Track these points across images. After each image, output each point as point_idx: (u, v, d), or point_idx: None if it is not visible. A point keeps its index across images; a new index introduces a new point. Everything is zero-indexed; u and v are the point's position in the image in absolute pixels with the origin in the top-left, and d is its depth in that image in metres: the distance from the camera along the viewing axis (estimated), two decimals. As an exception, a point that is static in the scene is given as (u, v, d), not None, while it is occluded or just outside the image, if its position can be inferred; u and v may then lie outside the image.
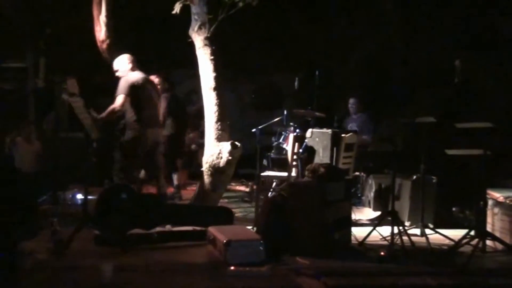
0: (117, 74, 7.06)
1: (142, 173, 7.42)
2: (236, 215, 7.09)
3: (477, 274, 5.20)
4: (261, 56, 11.40)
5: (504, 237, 5.93)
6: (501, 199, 6.14)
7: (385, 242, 5.96)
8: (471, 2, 9.41)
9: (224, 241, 5.16)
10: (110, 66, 9.12)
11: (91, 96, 6.75)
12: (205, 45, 6.95)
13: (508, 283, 5.07)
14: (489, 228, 6.15)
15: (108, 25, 8.98)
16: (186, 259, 5.42)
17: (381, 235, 6.12)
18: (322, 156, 7.20)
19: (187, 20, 7.08)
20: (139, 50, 7.39)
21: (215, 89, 6.94)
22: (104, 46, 9.10)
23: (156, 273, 4.94)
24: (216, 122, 6.94)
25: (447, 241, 6.10)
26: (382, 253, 5.59)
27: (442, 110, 7.82)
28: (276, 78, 12.14)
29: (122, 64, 7.06)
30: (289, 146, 7.53)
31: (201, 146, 8.96)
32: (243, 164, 7.63)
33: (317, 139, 7.32)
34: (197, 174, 7.49)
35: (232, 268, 4.93)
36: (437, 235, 6.25)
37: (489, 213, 6.22)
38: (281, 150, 7.89)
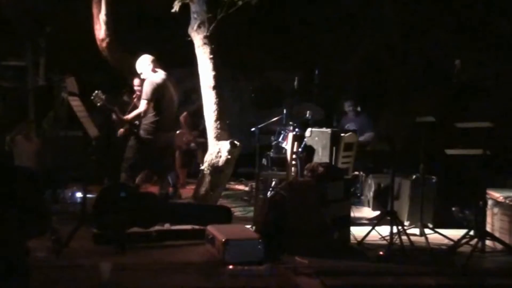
0: (141, 76, 7.05)
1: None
2: (235, 214, 7.10)
3: (476, 274, 5.21)
4: (260, 55, 11.39)
5: (503, 237, 5.92)
6: (500, 199, 6.14)
7: (384, 242, 5.96)
8: (471, 1, 9.40)
9: (223, 240, 5.15)
10: (109, 64, 9.15)
11: (91, 94, 6.74)
12: (205, 43, 6.95)
13: (508, 283, 5.07)
14: (488, 228, 6.15)
15: (108, 23, 8.99)
16: (185, 258, 5.42)
17: (380, 234, 6.12)
18: (321, 156, 7.20)
19: (187, 19, 7.07)
20: (139, 49, 7.36)
21: (214, 88, 6.94)
22: (104, 44, 9.10)
23: (155, 271, 4.93)
24: (215, 121, 6.94)
25: (446, 241, 6.10)
26: (381, 253, 5.59)
27: (442, 109, 7.82)
28: (275, 77, 12.12)
29: (144, 66, 7.04)
30: (288, 145, 7.51)
31: (200, 145, 8.96)
32: (242, 163, 7.64)
33: (316, 138, 7.31)
34: (197, 173, 7.48)
35: (230, 267, 4.93)
36: (436, 235, 6.25)
37: (488, 213, 6.22)
38: (280, 149, 7.87)
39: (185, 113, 9.51)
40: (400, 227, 5.89)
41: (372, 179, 7.93)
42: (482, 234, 5.78)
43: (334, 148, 7.19)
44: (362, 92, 10.65)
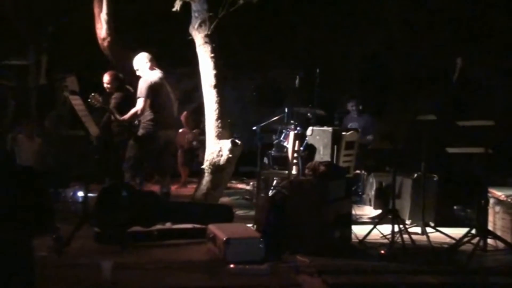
0: (137, 73, 7.02)
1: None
2: (237, 213, 7.09)
3: (478, 272, 5.20)
4: (261, 53, 11.38)
5: (505, 236, 5.92)
6: (502, 197, 6.13)
7: (386, 241, 5.95)
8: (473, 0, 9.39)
9: (224, 239, 5.15)
10: (111, 63, 9.15)
11: (92, 93, 6.75)
12: (206, 42, 6.95)
13: (509, 282, 5.06)
14: (490, 226, 6.14)
15: (109, 23, 8.99)
16: (186, 256, 5.42)
17: (382, 233, 6.11)
18: (322, 154, 7.19)
19: (188, 18, 7.07)
20: (140, 48, 7.36)
21: (215, 86, 6.94)
22: (105, 44, 9.11)
23: (156, 270, 4.93)
24: (217, 119, 6.94)
25: (448, 240, 6.08)
26: (382, 252, 5.59)
27: (443, 108, 7.81)
28: (277, 75, 12.12)
29: (141, 63, 6.98)
30: (289, 144, 7.52)
31: (202, 143, 8.95)
32: (244, 162, 7.64)
33: (317, 137, 7.31)
34: (198, 172, 7.49)
35: (231, 266, 4.92)
36: (438, 233, 6.23)
37: (490, 211, 6.21)
38: (281, 148, 7.88)
39: (185, 112, 9.51)
40: (401, 226, 5.88)
41: (373, 178, 7.93)
42: (484, 232, 5.77)
43: (335, 147, 7.19)
44: (363, 90, 10.64)
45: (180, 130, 8.99)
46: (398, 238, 5.78)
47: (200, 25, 6.94)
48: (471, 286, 4.95)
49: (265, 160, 7.92)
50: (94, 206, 5.77)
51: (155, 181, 8.52)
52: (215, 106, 6.93)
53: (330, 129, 7.32)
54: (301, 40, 11.39)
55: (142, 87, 6.80)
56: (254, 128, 7.30)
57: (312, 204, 5.66)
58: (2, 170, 2.25)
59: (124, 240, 5.63)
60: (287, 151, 7.63)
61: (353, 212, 6.38)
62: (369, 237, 6.02)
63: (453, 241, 5.93)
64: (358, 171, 8.48)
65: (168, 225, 6.13)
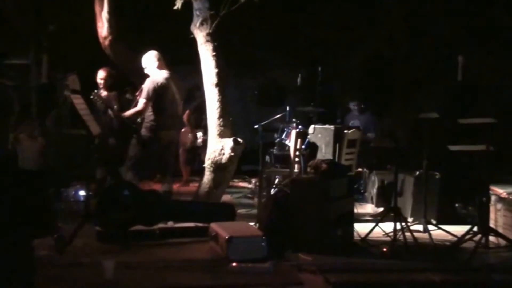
0: (145, 71, 7.03)
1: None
2: (239, 211, 7.09)
3: (480, 270, 5.20)
4: (263, 52, 11.38)
5: (507, 233, 5.91)
6: (504, 195, 6.13)
7: (388, 238, 5.96)
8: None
9: (226, 237, 5.16)
10: (112, 62, 9.15)
11: (91, 93, 6.76)
12: (207, 41, 6.94)
13: (511, 279, 5.06)
14: (492, 224, 6.14)
15: (110, 21, 8.98)
16: (188, 255, 5.42)
17: (384, 231, 6.11)
18: (324, 152, 7.19)
19: (189, 16, 7.06)
20: (141, 46, 7.36)
21: (217, 85, 6.94)
22: (107, 42, 9.10)
23: (158, 269, 4.93)
24: (218, 118, 6.93)
25: (450, 237, 6.09)
26: (384, 249, 5.59)
27: (445, 106, 7.80)
28: (278, 74, 12.11)
29: (149, 62, 7.00)
30: (291, 142, 7.52)
31: (205, 142, 8.93)
32: (246, 161, 7.63)
33: (319, 135, 7.30)
34: (200, 171, 7.49)
35: (234, 264, 4.93)
36: (440, 231, 6.24)
37: (492, 209, 6.21)
38: (283, 147, 7.88)
39: (187, 111, 9.51)
40: (403, 224, 5.88)
41: (375, 176, 7.92)
42: (486, 230, 5.77)
43: (337, 145, 7.18)
44: (365, 89, 10.63)
45: (183, 130, 8.99)
46: (400, 236, 5.79)
47: (201, 24, 6.94)
48: (473, 283, 4.95)
49: (267, 158, 7.92)
50: (96, 205, 5.77)
51: (156, 180, 8.53)
52: (217, 104, 6.93)
53: (332, 127, 7.32)
54: (303, 39, 11.38)
55: (146, 88, 6.81)
56: (256, 126, 7.30)
57: (314, 202, 5.66)
58: (3, 171, 2.24)
59: (126, 239, 5.63)
60: (289, 150, 7.63)
61: (355, 210, 6.37)
62: (371, 235, 6.03)
63: (455, 239, 5.94)
64: (360, 169, 8.48)
65: (170, 224, 6.13)
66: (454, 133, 6.87)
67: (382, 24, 10.57)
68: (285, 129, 7.87)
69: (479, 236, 5.66)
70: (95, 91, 6.67)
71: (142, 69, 7.09)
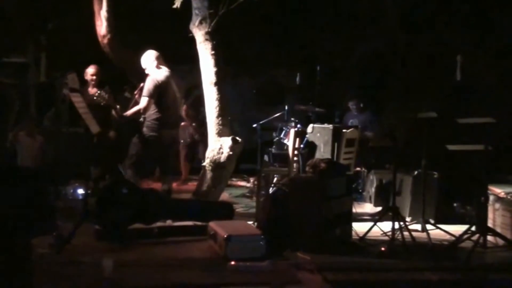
0: (146, 72, 7.02)
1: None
2: (237, 210, 7.10)
3: (478, 269, 5.21)
4: (262, 51, 11.38)
5: (505, 233, 5.92)
6: (502, 194, 6.14)
7: (386, 238, 5.96)
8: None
9: (225, 236, 5.16)
10: (110, 61, 9.15)
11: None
12: (206, 40, 6.94)
13: (509, 278, 5.08)
14: (490, 223, 6.15)
15: (109, 20, 8.98)
16: (187, 254, 5.42)
17: (382, 230, 6.12)
18: (323, 152, 7.20)
19: (188, 15, 7.06)
20: (140, 45, 7.36)
21: (216, 84, 6.94)
22: (105, 41, 9.09)
23: (157, 268, 4.93)
24: (217, 117, 6.93)
25: (448, 237, 6.10)
26: (383, 249, 5.60)
27: (444, 105, 7.81)
28: (277, 73, 12.12)
29: (149, 62, 6.98)
30: (290, 141, 7.52)
31: (203, 135, 8.79)
32: (244, 160, 7.63)
33: (318, 134, 7.31)
34: (199, 169, 7.49)
35: (232, 263, 4.93)
36: (438, 230, 6.25)
37: (490, 208, 6.22)
38: (282, 146, 7.88)
39: (184, 106, 9.49)
40: (402, 223, 5.88)
41: (374, 175, 7.93)
42: (484, 229, 5.78)
43: (336, 144, 7.19)
44: (364, 88, 10.63)
45: (182, 124, 8.99)
46: (398, 235, 5.79)
47: (200, 23, 6.94)
48: (471, 282, 4.96)
49: (266, 157, 7.92)
50: (95, 203, 5.77)
51: (156, 178, 8.52)
52: (216, 103, 6.93)
53: (330, 126, 7.32)
54: (302, 38, 11.38)
55: (148, 86, 6.81)
56: (254, 125, 7.30)
57: (313, 202, 5.66)
58: (3, 169, 2.25)
59: (124, 238, 5.63)
60: (287, 149, 7.63)
61: (354, 209, 6.37)
62: (369, 234, 6.03)
63: (453, 238, 5.94)
64: (358, 169, 8.49)
65: (168, 222, 6.13)
66: (452, 133, 6.87)
67: (380, 23, 10.57)
68: (284, 128, 7.87)
69: (477, 235, 5.67)
70: (99, 92, 6.66)
71: (141, 67, 7.08)
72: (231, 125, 7.25)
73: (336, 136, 7.23)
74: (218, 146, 6.86)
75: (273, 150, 7.99)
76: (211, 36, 6.93)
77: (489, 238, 5.85)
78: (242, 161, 7.57)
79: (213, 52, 6.93)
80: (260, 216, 6.20)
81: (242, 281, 4.66)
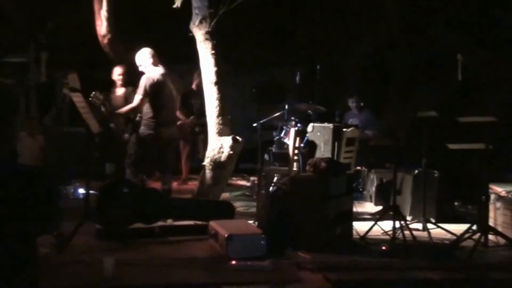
0: (140, 69, 7.01)
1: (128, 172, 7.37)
2: (238, 209, 7.10)
3: (479, 268, 5.21)
4: (262, 50, 11.38)
5: (506, 232, 5.92)
6: (503, 193, 6.14)
7: (387, 237, 5.96)
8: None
9: (226, 235, 5.16)
10: (111, 60, 9.15)
11: (93, 91, 6.75)
12: (206, 39, 6.94)
13: (510, 277, 5.07)
14: (491, 222, 6.14)
15: (109, 19, 8.99)
16: (188, 253, 5.43)
17: (383, 229, 6.12)
18: (323, 151, 7.19)
19: (188, 14, 7.06)
20: (140, 45, 7.35)
21: (216, 83, 6.94)
22: (105, 40, 9.11)
23: (158, 267, 4.94)
24: (217, 116, 6.93)
25: (449, 236, 6.10)
26: (383, 248, 5.60)
27: (444, 104, 7.81)
28: (277, 72, 12.12)
29: (144, 59, 6.97)
30: (290, 140, 7.52)
31: (203, 125, 8.67)
32: (245, 159, 7.63)
33: (318, 133, 7.30)
34: (199, 169, 7.50)
35: (233, 262, 4.93)
36: (439, 229, 6.25)
37: (491, 207, 6.21)
38: (282, 145, 7.88)
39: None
40: (402, 222, 5.88)
41: (374, 174, 7.93)
42: (485, 228, 5.77)
43: (336, 143, 7.18)
44: (364, 87, 10.63)
45: (178, 123, 8.97)
46: (399, 234, 5.79)
47: (200, 22, 6.93)
48: (472, 281, 4.96)
49: (266, 156, 7.92)
50: (96, 203, 5.77)
51: (156, 178, 8.51)
52: (216, 103, 6.93)
53: (330, 125, 7.31)
54: (302, 37, 11.38)
55: (142, 84, 6.81)
56: (254, 124, 7.30)
57: (313, 201, 5.67)
58: (7, 168, 2.26)
59: (125, 237, 5.64)
60: (287, 148, 7.63)
61: (354, 208, 6.37)
62: (370, 233, 6.03)
63: (454, 237, 5.94)
64: (359, 168, 8.48)
65: (169, 221, 6.14)
66: (453, 132, 6.87)
67: (380, 22, 10.57)
68: (284, 127, 7.87)
69: (478, 234, 5.67)
70: (93, 92, 6.66)
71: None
72: (231, 124, 7.24)
73: (337, 135, 7.22)
74: (218, 146, 6.86)
75: (274, 149, 7.99)
76: (211, 35, 6.93)
77: (490, 237, 5.84)
78: (243, 160, 7.58)
79: (213, 51, 6.93)
80: (261, 215, 6.20)
81: (243, 280, 4.66)
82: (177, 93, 7.27)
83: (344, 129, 7.37)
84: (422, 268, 5.11)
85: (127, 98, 7.80)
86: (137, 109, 6.85)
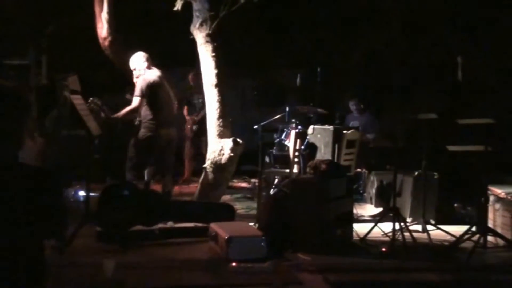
0: (135, 73, 7.02)
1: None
2: (238, 211, 7.11)
3: (478, 270, 5.22)
4: (263, 53, 11.40)
5: (505, 233, 5.93)
6: (502, 195, 6.15)
7: (387, 238, 5.96)
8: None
9: (226, 237, 5.17)
10: (112, 63, 9.16)
11: (93, 93, 6.76)
12: (207, 41, 6.95)
13: (510, 279, 5.09)
14: (490, 224, 6.16)
15: (110, 22, 8.99)
16: (188, 255, 5.44)
17: (383, 231, 6.12)
18: (323, 153, 7.21)
19: (189, 17, 7.08)
20: (141, 47, 7.37)
21: (216, 85, 6.95)
22: (106, 43, 9.10)
23: (158, 269, 4.95)
24: (218, 118, 6.95)
25: (448, 237, 6.10)
26: (383, 249, 5.61)
27: (444, 106, 7.81)
28: (278, 74, 12.14)
29: (139, 63, 6.98)
30: (291, 142, 7.54)
31: (202, 118, 8.64)
32: (245, 161, 7.65)
33: (319, 135, 7.32)
34: (200, 171, 7.51)
35: (234, 264, 4.95)
36: (439, 231, 6.25)
37: (490, 209, 6.23)
38: (283, 147, 7.89)
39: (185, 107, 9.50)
40: (402, 224, 5.89)
41: (374, 176, 7.94)
42: (484, 230, 5.79)
43: (336, 146, 7.20)
44: (364, 89, 10.65)
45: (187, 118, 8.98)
46: (399, 236, 5.79)
47: (201, 25, 6.95)
48: (471, 283, 4.97)
49: (267, 159, 7.93)
50: (96, 205, 5.79)
51: (156, 180, 8.52)
52: (217, 105, 6.94)
53: (331, 127, 7.33)
54: (302, 39, 11.40)
55: (139, 86, 6.82)
56: (255, 127, 7.31)
57: (314, 203, 5.68)
58: (13, 170, 2.26)
59: (126, 239, 5.64)
60: (288, 150, 7.65)
61: (354, 210, 6.39)
62: (370, 235, 6.04)
63: (454, 239, 5.95)
64: (359, 170, 8.50)
65: (170, 224, 6.15)
66: (453, 134, 6.88)
67: (380, 24, 10.58)
68: (285, 129, 7.89)
69: (477, 236, 5.68)
70: (91, 99, 6.67)
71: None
72: (231, 126, 7.26)
73: (337, 137, 7.24)
74: (219, 148, 6.87)
75: (274, 152, 8.01)
76: (212, 38, 6.94)
77: (490, 238, 5.86)
78: (243, 162, 7.59)
79: (213, 54, 6.95)
80: (261, 217, 6.21)
81: (243, 282, 4.67)
82: (174, 95, 7.28)
83: (345, 132, 7.39)
84: (422, 270, 5.12)
85: None
86: (136, 110, 6.85)
